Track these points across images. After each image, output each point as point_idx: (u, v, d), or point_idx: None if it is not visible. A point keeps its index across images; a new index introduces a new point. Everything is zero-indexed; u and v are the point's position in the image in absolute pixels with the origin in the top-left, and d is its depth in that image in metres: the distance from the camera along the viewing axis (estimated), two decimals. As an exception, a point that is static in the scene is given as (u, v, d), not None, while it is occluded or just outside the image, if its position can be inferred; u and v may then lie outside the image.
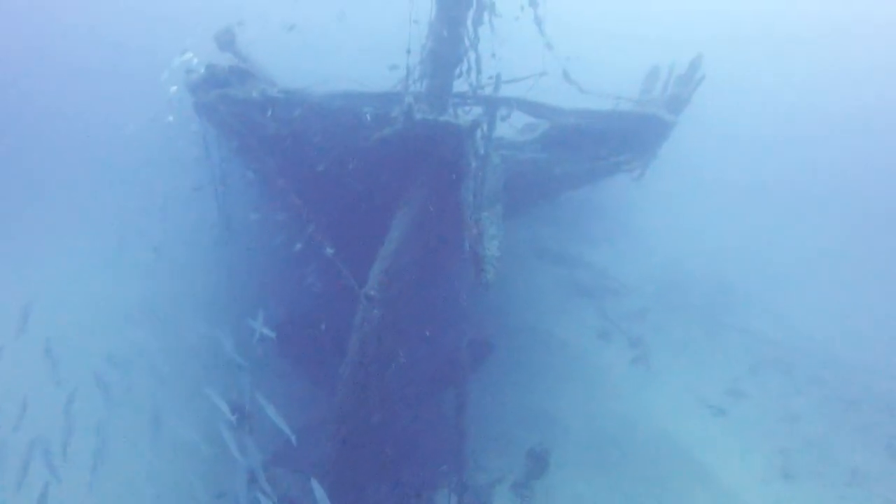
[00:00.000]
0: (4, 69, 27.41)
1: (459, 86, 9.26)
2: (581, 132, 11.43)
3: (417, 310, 9.27)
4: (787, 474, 11.60)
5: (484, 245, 8.56)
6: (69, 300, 14.89)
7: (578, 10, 38.93)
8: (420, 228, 8.42)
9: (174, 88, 11.06)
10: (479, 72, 9.29)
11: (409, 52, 8.41)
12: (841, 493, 11.34)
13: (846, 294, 21.16)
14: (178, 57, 11.78)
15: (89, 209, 19.74)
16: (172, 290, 15.32)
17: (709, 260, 21.43)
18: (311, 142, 8.91)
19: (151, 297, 15.07)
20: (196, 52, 11.78)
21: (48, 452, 9.24)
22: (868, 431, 13.42)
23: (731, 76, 37.26)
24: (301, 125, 8.89)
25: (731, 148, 33.69)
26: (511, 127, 11.80)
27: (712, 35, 38.83)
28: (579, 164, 11.68)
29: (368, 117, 8.46)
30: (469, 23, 8.72)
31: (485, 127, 8.68)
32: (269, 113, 8.83)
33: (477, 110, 10.40)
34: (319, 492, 7.05)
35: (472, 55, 9.01)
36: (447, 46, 8.36)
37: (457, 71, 8.76)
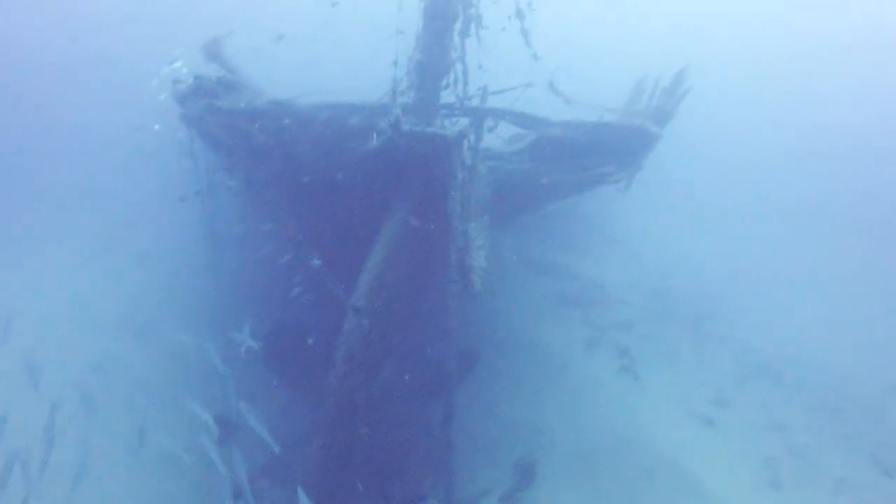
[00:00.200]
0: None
1: (447, 97, 9.31)
2: (567, 143, 11.49)
3: (404, 321, 9.25)
4: (774, 483, 11.64)
5: (471, 255, 8.57)
6: (52, 310, 14.74)
7: (566, 24, 39.28)
8: (407, 239, 8.42)
9: (163, 97, 11.03)
10: (465, 83, 9.32)
11: (395, 63, 8.44)
12: (827, 502, 11.40)
13: (831, 303, 21.32)
14: (168, 66, 11.77)
15: (74, 217, 19.59)
16: (158, 300, 15.20)
17: (695, 270, 21.55)
18: (299, 153, 8.89)
19: (136, 306, 14.95)
20: (185, 61, 11.77)
21: (27, 466, 9.12)
22: (853, 440, 13.51)
23: (724, 91, 37.85)
24: (288, 136, 8.88)
25: (718, 161, 33.96)
26: (498, 138, 11.85)
27: (703, 50, 39.27)
28: (566, 175, 11.74)
29: (356, 127, 8.47)
30: (456, 35, 8.78)
31: (472, 138, 8.72)
32: (257, 125, 8.81)
33: (464, 121, 10.44)
34: (306, 504, 7.01)
35: (458, 67, 9.05)
36: (434, 58, 8.40)
37: (444, 82, 8.81)
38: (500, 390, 12.69)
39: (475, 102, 10.49)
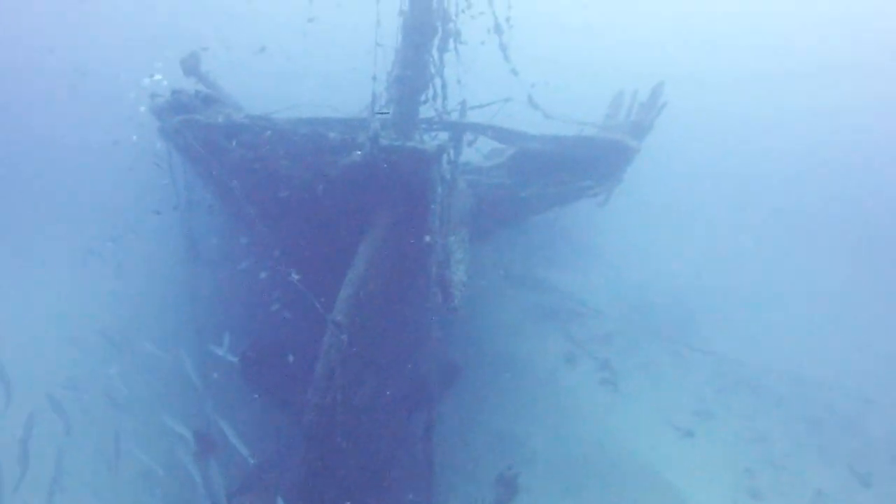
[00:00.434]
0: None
1: (426, 111, 9.33)
2: (546, 157, 11.57)
3: (385, 335, 9.22)
4: (754, 494, 11.72)
5: (451, 269, 8.58)
6: (27, 323, 14.55)
7: (545, 40, 39.70)
8: (387, 253, 8.41)
9: (142, 109, 10.96)
10: (444, 98, 9.35)
11: (374, 78, 8.45)
12: (806, 512, 11.52)
13: (810, 315, 21.59)
14: (147, 78, 11.70)
15: (51, 230, 19.39)
16: (135, 313, 15.05)
17: (675, 283, 21.72)
18: (277, 168, 8.87)
19: (113, 319, 14.77)
20: (165, 74, 11.72)
21: (2, 480, 8.96)
22: (831, 451, 13.64)
23: (703, 105, 38.40)
24: (267, 151, 8.85)
25: (697, 175, 34.37)
26: (477, 152, 11.91)
27: (680, 65, 39.92)
28: (545, 189, 11.80)
29: (335, 141, 8.47)
30: (434, 49, 8.82)
31: (451, 152, 8.76)
32: (234, 143, 8.77)
33: (443, 136, 10.48)
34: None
35: (437, 81, 9.08)
36: (413, 72, 8.44)
37: (423, 97, 8.84)
38: (482, 404, 12.68)
39: (454, 117, 10.53)
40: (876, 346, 19.91)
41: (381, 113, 8.30)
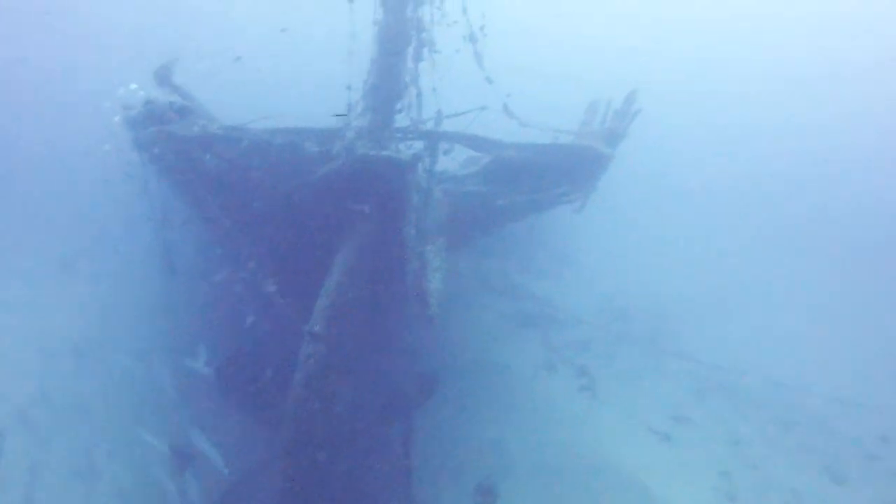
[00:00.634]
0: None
1: (401, 121, 9.35)
2: (522, 165, 11.63)
3: (362, 345, 9.20)
4: (732, 496, 11.82)
5: (427, 278, 8.59)
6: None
7: (520, 47, 39.96)
8: (363, 263, 8.40)
9: (117, 118, 10.85)
10: (420, 107, 9.38)
11: (349, 87, 8.47)
12: (782, 513, 11.65)
13: (784, 320, 21.89)
14: (123, 88, 11.60)
15: (24, 241, 19.09)
16: (109, 325, 14.85)
17: (651, 289, 21.87)
18: (253, 178, 8.83)
19: (86, 332, 14.55)
20: (141, 84, 11.62)
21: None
22: (807, 453, 13.84)
23: (681, 113, 38.87)
24: (242, 162, 8.82)
25: (674, 181, 34.75)
26: (453, 161, 11.92)
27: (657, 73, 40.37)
28: (521, 197, 11.85)
29: (311, 151, 8.46)
30: (409, 58, 8.86)
31: (427, 161, 8.78)
32: (208, 155, 8.72)
33: (419, 145, 10.49)
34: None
35: (412, 90, 9.11)
36: (388, 81, 8.47)
37: (398, 106, 8.86)
38: (461, 412, 12.66)
39: (430, 126, 10.55)
40: (848, 348, 20.25)
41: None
